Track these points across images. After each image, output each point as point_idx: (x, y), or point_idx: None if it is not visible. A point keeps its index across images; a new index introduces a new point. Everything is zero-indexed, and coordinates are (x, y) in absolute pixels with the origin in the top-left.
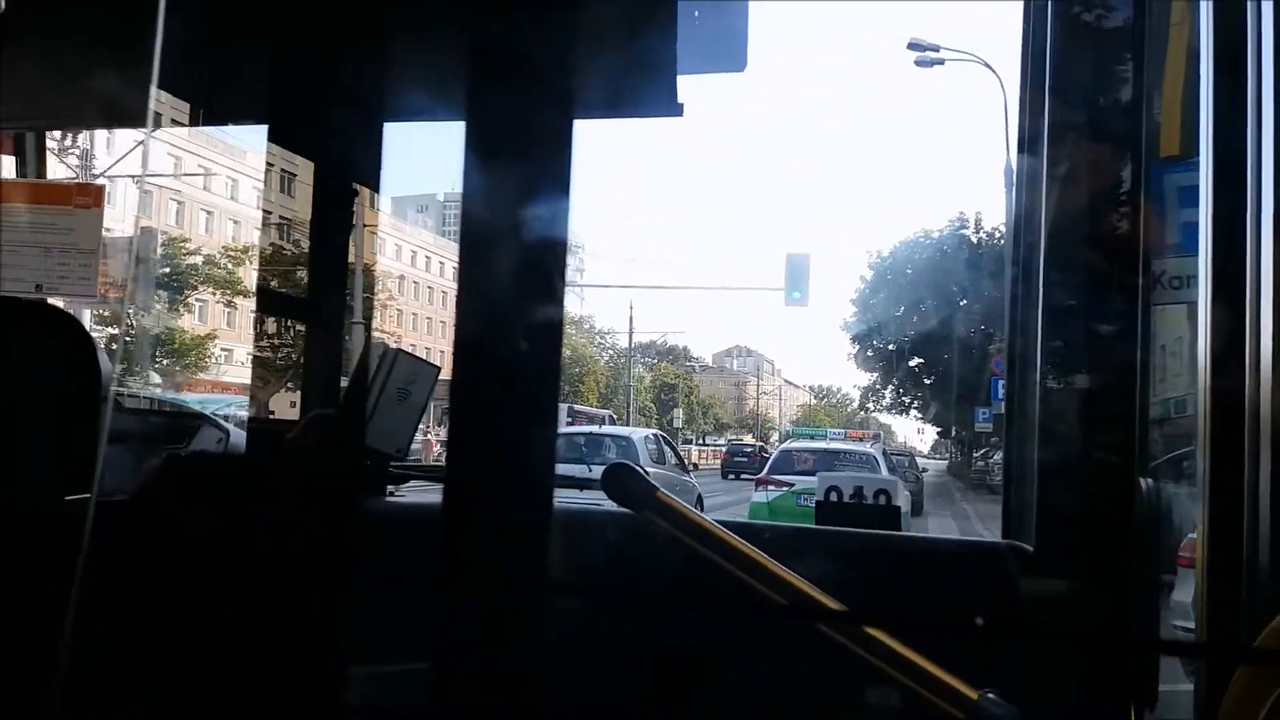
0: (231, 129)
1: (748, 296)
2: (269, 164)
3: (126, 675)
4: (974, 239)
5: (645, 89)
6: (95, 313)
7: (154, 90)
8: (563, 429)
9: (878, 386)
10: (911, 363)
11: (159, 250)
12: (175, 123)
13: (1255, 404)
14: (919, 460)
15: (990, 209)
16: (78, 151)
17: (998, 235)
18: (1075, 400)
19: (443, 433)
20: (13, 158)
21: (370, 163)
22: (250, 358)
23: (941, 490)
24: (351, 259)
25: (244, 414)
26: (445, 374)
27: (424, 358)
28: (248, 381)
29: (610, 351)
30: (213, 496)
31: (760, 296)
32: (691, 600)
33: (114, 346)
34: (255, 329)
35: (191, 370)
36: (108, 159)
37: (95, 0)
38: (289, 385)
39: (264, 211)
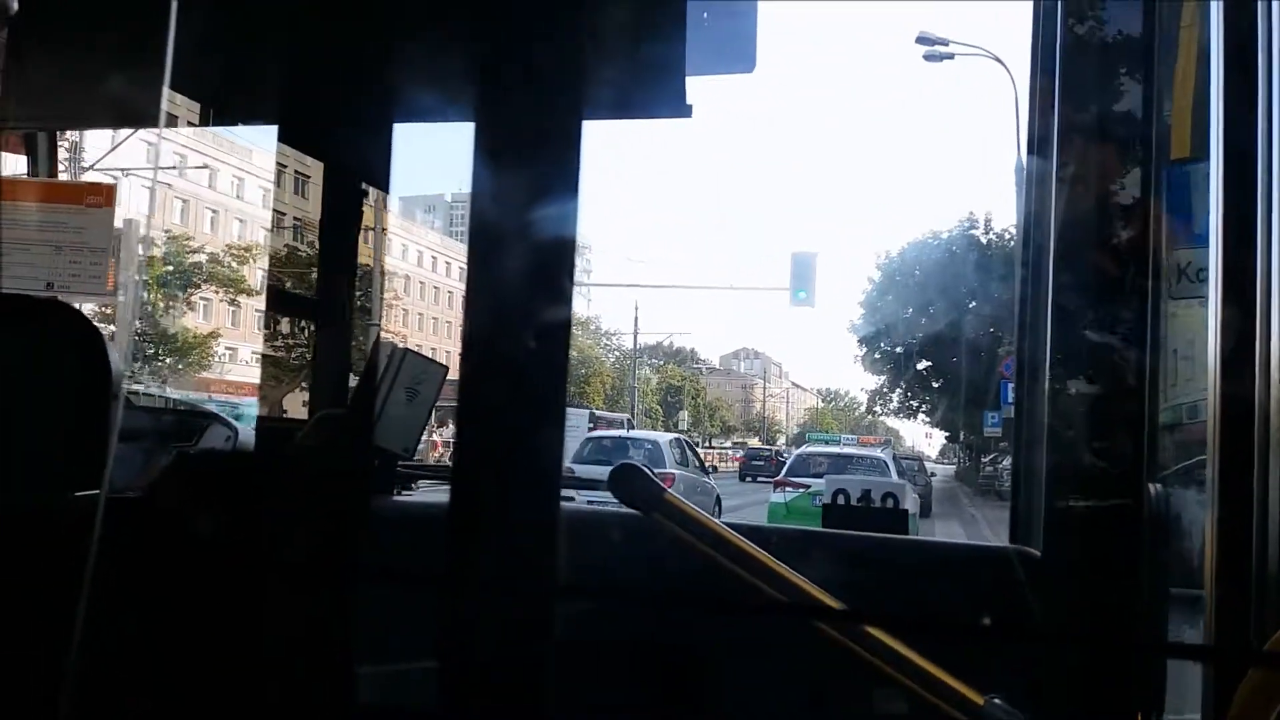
0: (239, 128)
1: (753, 296)
2: (280, 165)
3: (135, 672)
4: (983, 240)
5: (654, 91)
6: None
7: (166, 91)
8: (587, 434)
9: (885, 389)
10: (920, 366)
11: (141, 244)
12: (189, 124)
13: (1265, 406)
14: (927, 465)
15: (1000, 209)
16: (65, 144)
17: (1008, 236)
18: (1084, 404)
19: (445, 433)
20: (24, 157)
21: (380, 163)
22: (255, 357)
23: (949, 495)
24: (363, 259)
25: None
26: (452, 374)
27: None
28: (250, 381)
29: (616, 353)
30: (220, 494)
31: (766, 296)
32: (699, 602)
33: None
34: (266, 328)
35: (193, 369)
36: (95, 153)
37: (107, 1)
38: (300, 385)
39: (276, 212)
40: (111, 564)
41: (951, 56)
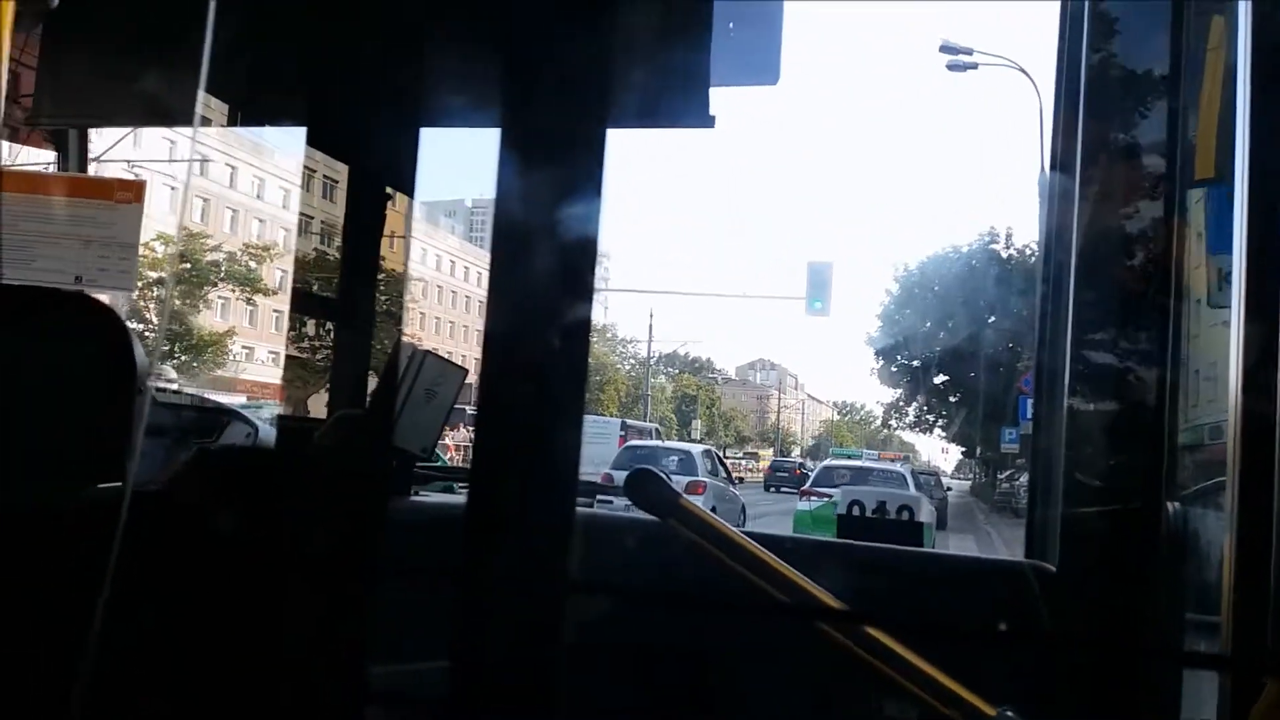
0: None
1: (769, 306)
2: (308, 168)
3: (150, 665)
4: (1004, 254)
5: (679, 100)
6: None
7: (201, 93)
8: (618, 442)
9: (901, 403)
10: (937, 380)
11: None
12: (205, 120)
13: None
14: (943, 480)
15: (1021, 224)
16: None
17: (1029, 251)
18: (1103, 421)
19: (456, 436)
20: (54, 153)
21: (405, 168)
22: (270, 357)
23: (964, 511)
24: (387, 264)
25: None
26: (470, 377)
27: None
28: (266, 381)
29: (631, 361)
30: (240, 491)
31: (781, 306)
32: (710, 604)
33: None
34: (291, 329)
35: (208, 367)
36: (99, 145)
37: (141, 1)
38: (323, 386)
39: (303, 215)
40: (129, 557)
41: (975, 66)
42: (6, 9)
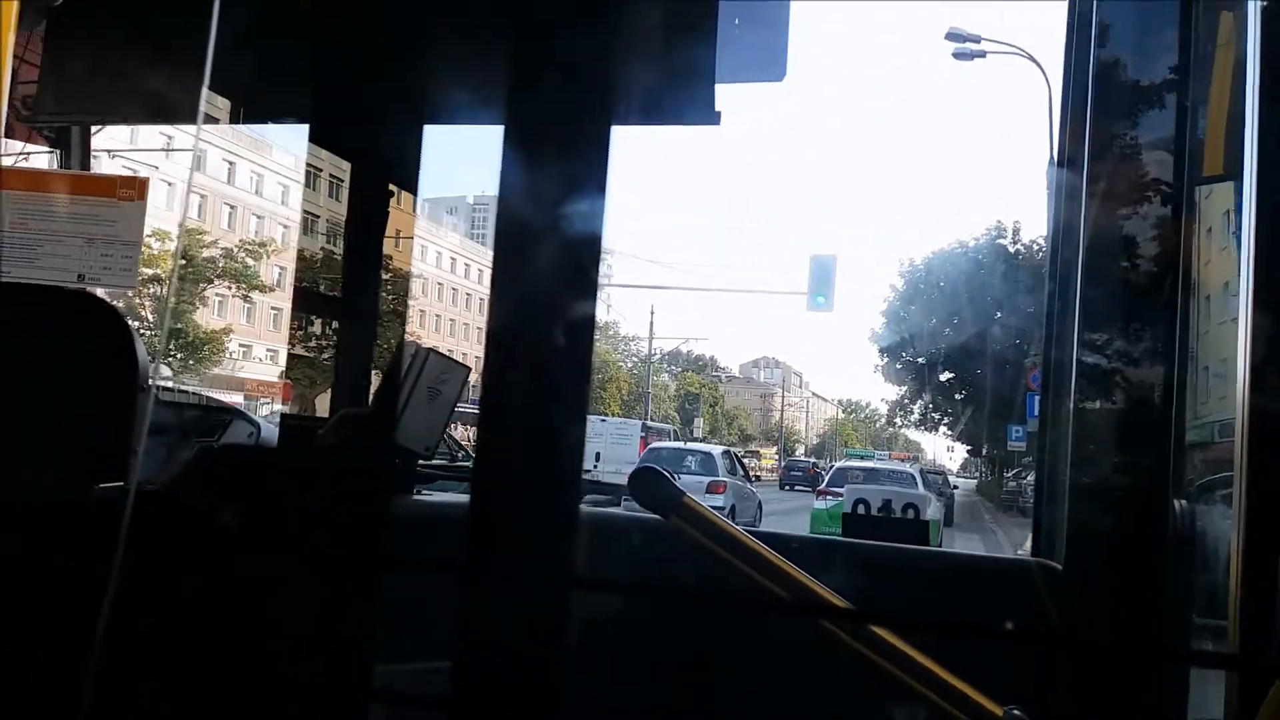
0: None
1: (771, 301)
2: (312, 166)
3: (154, 663)
4: (1011, 250)
5: (684, 97)
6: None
7: (205, 90)
8: (639, 444)
9: (906, 401)
10: (943, 377)
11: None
12: (207, 116)
13: None
14: (950, 478)
15: (1029, 219)
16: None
17: (1036, 247)
18: (1110, 419)
19: (456, 433)
20: (57, 150)
21: (408, 164)
22: (269, 354)
23: (970, 510)
24: (390, 261)
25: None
26: (473, 375)
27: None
28: (264, 379)
29: (634, 359)
30: (243, 490)
31: (783, 301)
32: (713, 600)
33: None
34: (293, 327)
35: (205, 365)
36: (99, 142)
37: None
38: (323, 384)
39: (306, 213)
40: (133, 556)
41: (983, 55)
42: (10, 7)
